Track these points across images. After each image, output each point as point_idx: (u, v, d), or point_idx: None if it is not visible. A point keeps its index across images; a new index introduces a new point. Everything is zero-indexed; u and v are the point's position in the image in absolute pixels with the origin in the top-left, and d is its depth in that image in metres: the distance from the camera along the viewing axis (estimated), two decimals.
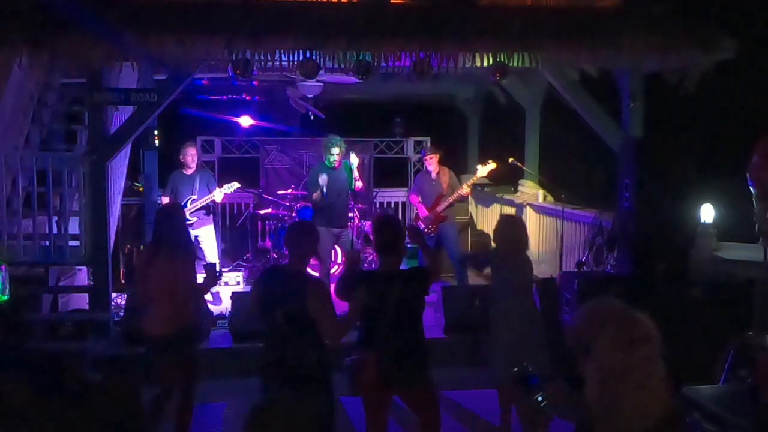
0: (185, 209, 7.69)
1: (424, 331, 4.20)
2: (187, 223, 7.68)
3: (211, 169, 10.54)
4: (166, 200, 7.92)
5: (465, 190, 8.13)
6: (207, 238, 7.99)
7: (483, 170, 8.10)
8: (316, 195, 7.55)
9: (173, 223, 4.68)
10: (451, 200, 8.10)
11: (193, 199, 7.92)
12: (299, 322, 3.83)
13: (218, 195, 8.03)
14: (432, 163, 8.16)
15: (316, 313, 3.81)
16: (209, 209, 8.25)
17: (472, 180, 8.23)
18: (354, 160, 7.56)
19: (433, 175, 8.17)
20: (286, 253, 4.24)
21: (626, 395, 2.09)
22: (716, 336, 5.25)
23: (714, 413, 4.07)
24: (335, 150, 7.50)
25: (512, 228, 5.00)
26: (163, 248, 4.55)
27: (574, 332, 2.17)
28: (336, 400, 4.10)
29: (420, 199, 8.25)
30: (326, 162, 7.61)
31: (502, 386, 4.94)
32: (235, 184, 8.34)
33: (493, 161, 8.14)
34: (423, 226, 8.18)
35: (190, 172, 8.06)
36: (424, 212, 8.15)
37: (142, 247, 8.52)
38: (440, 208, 8.06)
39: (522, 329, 4.81)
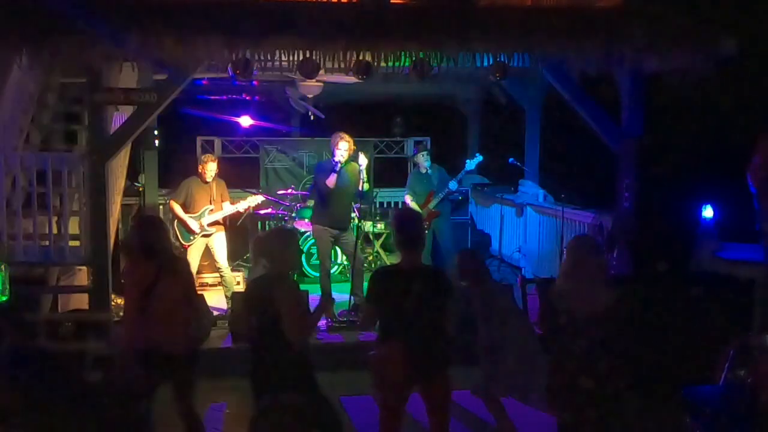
0: (202, 219, 7.66)
1: (449, 329, 4.19)
2: (206, 234, 7.66)
3: None
4: (177, 206, 7.68)
5: (453, 185, 8.29)
6: (219, 244, 7.87)
7: (471, 163, 8.22)
8: (330, 180, 7.24)
9: (163, 235, 4.49)
10: (442, 196, 8.20)
11: (211, 210, 7.73)
12: (274, 324, 3.85)
13: (242, 206, 7.92)
14: (422, 161, 8.38)
15: (281, 310, 3.82)
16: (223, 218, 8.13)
17: (461, 175, 8.37)
18: (363, 161, 7.38)
19: (423, 171, 8.38)
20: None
21: (572, 288, 3.73)
22: (716, 336, 5.26)
23: (714, 413, 4.07)
24: (344, 145, 7.26)
25: (472, 260, 4.91)
26: (162, 261, 4.36)
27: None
28: (327, 397, 4.11)
29: (412, 198, 8.42)
30: (334, 159, 7.41)
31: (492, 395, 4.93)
32: (260, 198, 8.31)
33: (478, 153, 8.29)
34: None
35: (207, 180, 7.79)
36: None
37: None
38: (432, 203, 8.20)
39: (522, 352, 4.71)
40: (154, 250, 4.37)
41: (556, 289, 3.86)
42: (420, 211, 8.16)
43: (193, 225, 7.61)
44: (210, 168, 7.76)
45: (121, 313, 6.82)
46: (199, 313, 4.68)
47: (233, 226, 10.38)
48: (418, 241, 4.20)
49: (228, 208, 7.80)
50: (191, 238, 7.68)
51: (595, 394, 3.68)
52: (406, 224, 4.24)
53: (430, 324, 4.08)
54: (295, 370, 3.92)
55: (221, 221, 7.89)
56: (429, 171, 8.43)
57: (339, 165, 7.19)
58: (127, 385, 4.18)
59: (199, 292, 4.89)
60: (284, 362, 3.89)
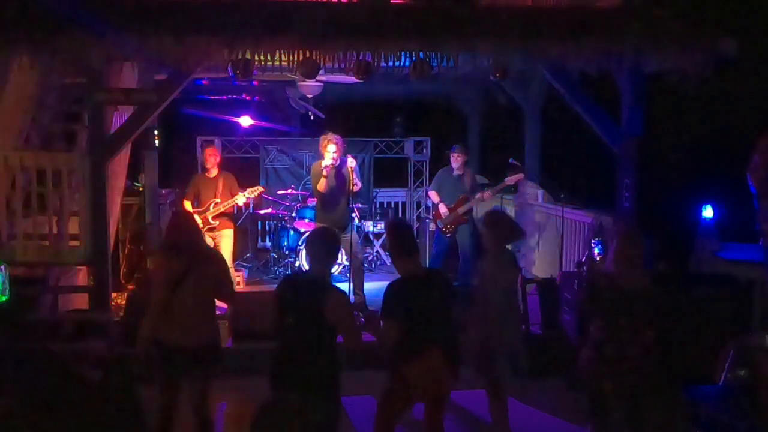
0: (208, 213, 7.78)
1: (457, 330, 4.25)
2: (210, 227, 7.77)
3: None
4: (187, 204, 7.88)
5: (487, 193, 8.08)
6: (226, 242, 7.96)
7: (511, 179, 8.07)
8: (321, 184, 7.33)
9: (192, 231, 4.53)
10: (473, 203, 8.07)
11: (216, 203, 7.84)
12: (314, 328, 3.83)
13: (241, 198, 7.98)
14: (457, 160, 8.13)
15: (335, 322, 3.81)
16: (232, 215, 8.22)
17: (499, 187, 8.17)
18: (351, 162, 7.41)
19: (456, 172, 8.15)
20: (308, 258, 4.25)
21: (621, 269, 4.12)
22: (716, 336, 5.26)
23: (714, 413, 4.07)
24: (332, 147, 7.31)
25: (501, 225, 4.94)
26: (191, 257, 4.36)
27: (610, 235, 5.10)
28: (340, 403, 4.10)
29: (440, 197, 8.21)
30: (325, 160, 7.47)
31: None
32: (260, 188, 8.37)
33: (521, 173, 8.13)
34: (441, 225, 8.14)
35: (212, 175, 7.96)
36: (444, 210, 8.09)
37: (142, 247, 8.50)
38: (462, 209, 8.03)
39: (503, 326, 4.79)
40: (183, 246, 4.40)
41: (605, 269, 4.37)
42: (447, 212, 8.07)
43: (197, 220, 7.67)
44: (209, 158, 7.88)
45: (121, 313, 6.87)
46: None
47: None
48: (416, 247, 4.27)
49: (227, 201, 7.88)
50: None
51: (641, 364, 4.08)
52: (404, 232, 4.30)
53: (450, 326, 4.15)
54: (326, 372, 3.90)
55: (230, 219, 8.00)
56: (461, 174, 8.19)
57: (329, 168, 7.23)
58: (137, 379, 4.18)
59: None
60: (317, 364, 3.86)
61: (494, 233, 4.78)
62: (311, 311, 3.81)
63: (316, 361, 3.84)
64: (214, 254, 4.75)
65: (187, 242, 4.43)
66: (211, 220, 7.79)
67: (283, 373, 3.89)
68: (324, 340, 3.85)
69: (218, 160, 8.03)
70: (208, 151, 8.06)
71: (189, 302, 4.30)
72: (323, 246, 4.03)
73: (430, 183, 9.41)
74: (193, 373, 4.41)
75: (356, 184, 7.47)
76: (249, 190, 8.13)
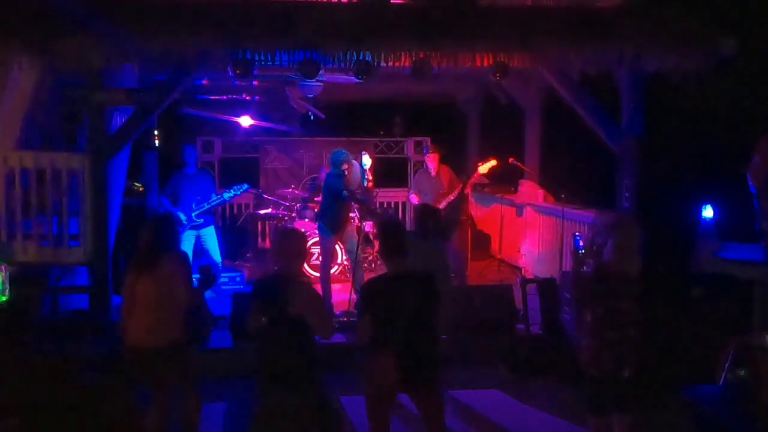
0: (193, 212, 7.82)
1: (438, 332, 4.23)
2: (194, 225, 7.83)
3: (212, 170, 10.56)
4: (166, 200, 7.94)
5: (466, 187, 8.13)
6: (210, 238, 8.06)
7: (483, 167, 8.11)
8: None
9: (159, 235, 4.49)
10: (452, 198, 8.11)
11: (198, 200, 7.89)
12: (285, 324, 3.86)
13: (228, 194, 8.06)
14: (432, 161, 8.19)
15: (303, 312, 3.85)
16: (212, 210, 8.28)
17: (472, 178, 8.21)
18: (367, 161, 7.55)
19: (433, 173, 8.20)
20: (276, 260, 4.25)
21: (621, 257, 4.24)
22: (716, 336, 5.26)
23: (714, 413, 4.07)
24: (347, 159, 7.45)
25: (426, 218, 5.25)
26: (148, 259, 4.40)
27: (600, 227, 4.58)
28: (331, 397, 4.11)
29: (420, 198, 8.28)
30: (338, 173, 7.58)
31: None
32: (245, 185, 8.35)
33: (493, 158, 8.15)
34: None
35: (192, 172, 8.03)
36: None
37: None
38: (441, 206, 8.08)
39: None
40: (141, 247, 4.46)
41: (608, 258, 4.46)
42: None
43: (181, 217, 7.79)
44: (186, 155, 7.93)
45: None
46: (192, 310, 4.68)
47: (233, 226, 10.41)
48: (405, 247, 4.25)
49: (213, 199, 7.93)
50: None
51: (640, 343, 4.24)
52: (392, 232, 4.30)
53: (424, 329, 4.10)
54: (304, 369, 3.92)
55: (212, 215, 8.08)
56: (436, 172, 8.26)
57: (347, 191, 7.34)
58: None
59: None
60: (294, 361, 3.89)
61: (418, 223, 5.26)
62: (280, 308, 3.87)
63: (294, 357, 3.87)
64: (175, 256, 4.61)
65: (146, 242, 4.46)
66: (195, 218, 7.83)
67: (266, 373, 3.93)
68: (298, 335, 3.89)
69: (196, 157, 8.12)
70: (190, 150, 8.07)
71: (147, 303, 4.34)
72: (289, 245, 4.09)
73: None
74: (164, 371, 4.42)
75: (369, 179, 7.58)
76: (235, 187, 8.12)
